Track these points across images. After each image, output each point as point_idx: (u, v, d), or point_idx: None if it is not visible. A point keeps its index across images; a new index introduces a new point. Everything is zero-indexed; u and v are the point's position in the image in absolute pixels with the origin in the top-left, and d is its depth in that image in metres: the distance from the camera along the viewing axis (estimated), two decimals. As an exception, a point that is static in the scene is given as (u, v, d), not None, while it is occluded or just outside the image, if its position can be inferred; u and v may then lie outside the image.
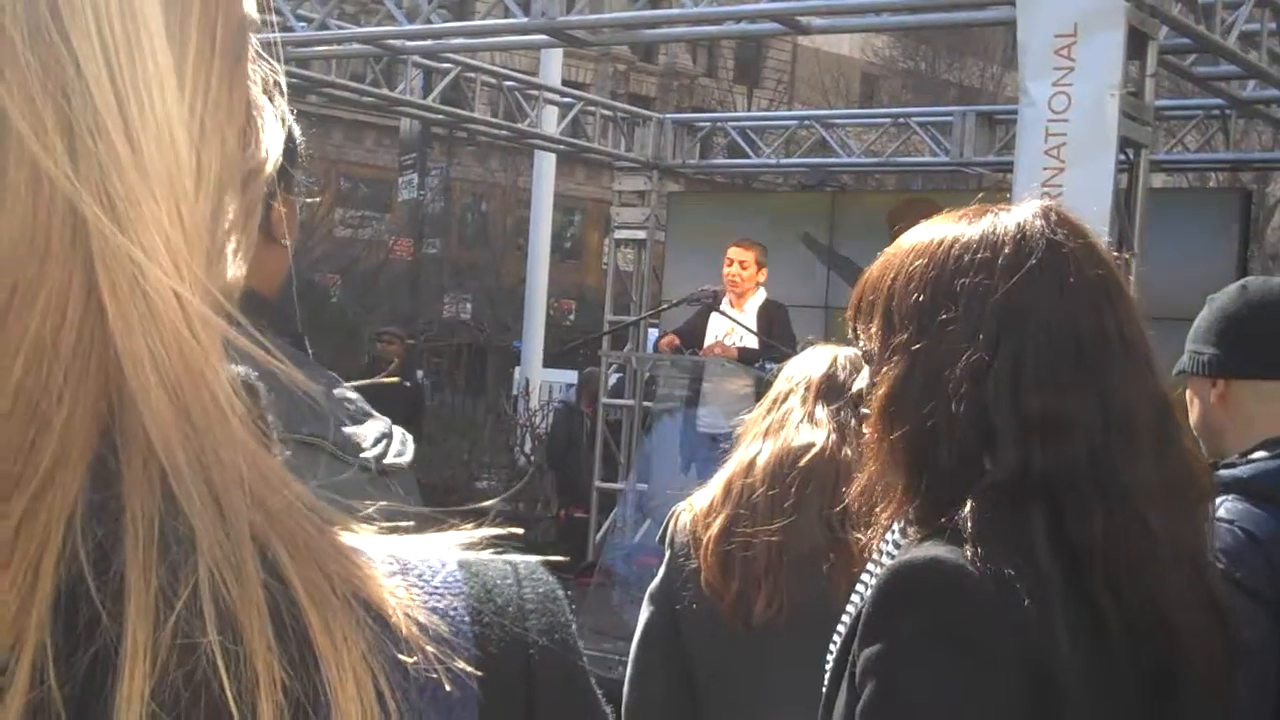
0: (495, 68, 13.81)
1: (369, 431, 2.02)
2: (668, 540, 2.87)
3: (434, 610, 0.78)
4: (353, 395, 2.11)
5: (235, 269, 0.79)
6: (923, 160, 14.36)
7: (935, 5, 9.75)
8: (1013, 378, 1.78)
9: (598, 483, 13.89)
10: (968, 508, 1.73)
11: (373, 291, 28.76)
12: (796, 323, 10.31)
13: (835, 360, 2.93)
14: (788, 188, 19.43)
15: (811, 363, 2.96)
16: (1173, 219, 11.10)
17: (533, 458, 19.94)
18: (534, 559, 0.86)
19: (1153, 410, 1.82)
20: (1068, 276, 1.82)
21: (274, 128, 0.84)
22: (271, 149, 0.83)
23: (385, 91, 12.63)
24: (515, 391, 21.91)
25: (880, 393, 1.87)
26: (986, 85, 35.28)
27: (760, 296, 10.34)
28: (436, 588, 0.80)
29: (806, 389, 2.88)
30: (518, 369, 23.15)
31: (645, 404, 12.99)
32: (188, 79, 0.75)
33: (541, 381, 21.19)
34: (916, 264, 1.88)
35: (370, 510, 0.82)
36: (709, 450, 8.86)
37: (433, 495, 16.61)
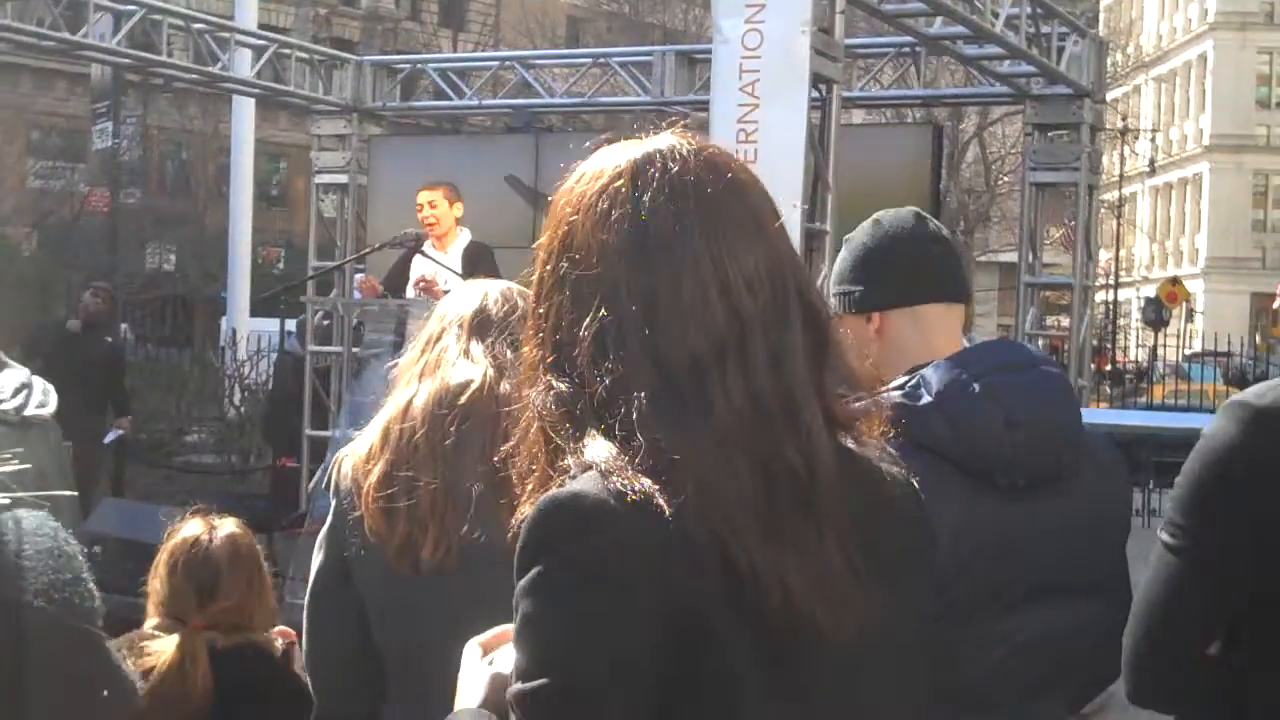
0: (185, 10, 13.37)
1: (6, 381, 1.90)
2: (333, 488, 2.80)
3: None
4: None
5: None
6: (626, 100, 14.40)
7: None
8: (644, 316, 1.77)
9: (308, 430, 13.67)
10: (613, 437, 1.73)
11: (69, 244, 27.71)
12: (504, 263, 10.22)
13: (486, 295, 2.89)
14: (494, 131, 19.33)
15: (462, 300, 2.91)
16: (869, 153, 11.36)
17: (242, 409, 19.55)
18: (42, 513, 0.78)
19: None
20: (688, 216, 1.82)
21: None
22: None
23: (68, 35, 12.07)
24: (222, 343, 21.45)
25: (530, 326, 1.89)
26: (690, 27, 35.55)
27: (464, 238, 10.23)
28: None
29: (460, 326, 2.83)
30: (224, 319, 22.66)
31: (354, 350, 12.81)
32: None
33: (249, 331, 20.79)
34: (567, 199, 1.89)
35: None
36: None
37: (141, 452, 16.23)
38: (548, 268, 1.87)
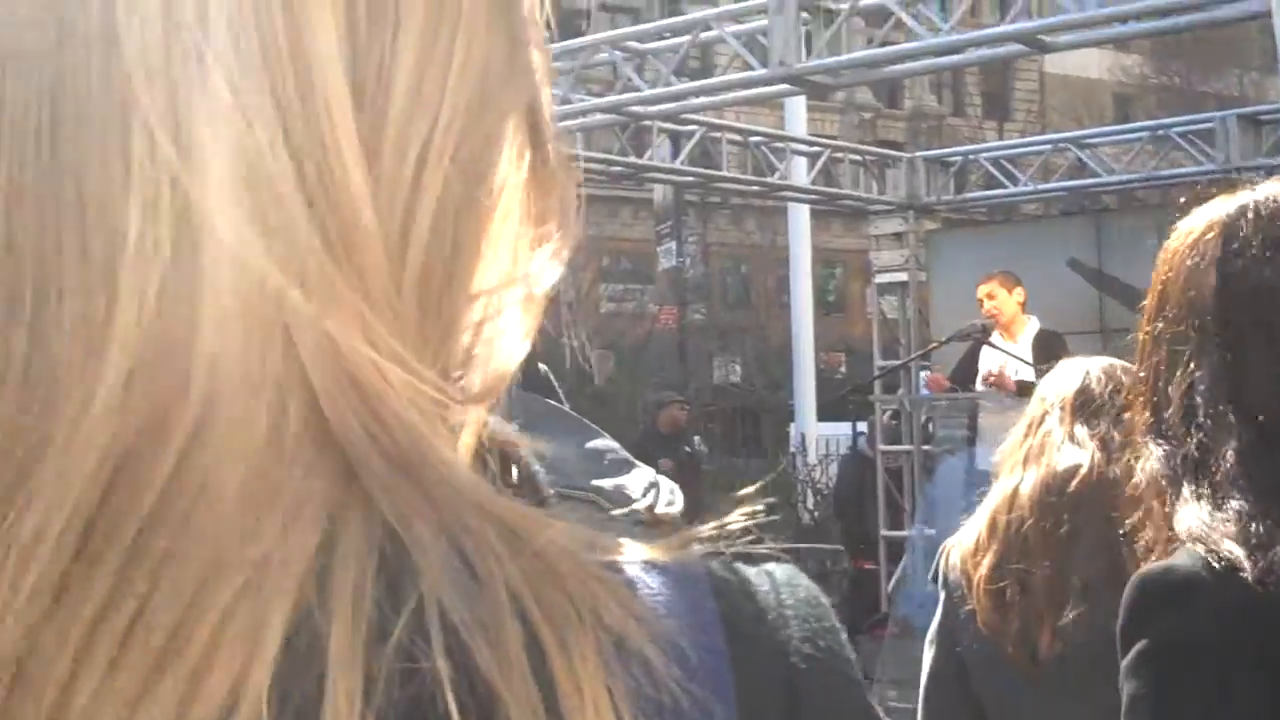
0: (741, 124, 13.85)
1: (635, 482, 1.98)
2: (940, 579, 2.75)
3: (684, 625, 0.72)
4: (611, 445, 2.06)
5: (482, 361, 0.77)
6: (1186, 171, 13.84)
7: (1181, 6, 9.25)
8: (1233, 371, 1.72)
9: (884, 531, 13.66)
10: (1205, 499, 1.68)
11: (642, 362, 29.01)
12: (1075, 349, 9.98)
13: (1088, 374, 2.78)
14: (1050, 215, 19.02)
15: (1063, 380, 2.81)
16: None
17: (816, 513, 19.81)
18: (791, 566, 0.79)
19: None
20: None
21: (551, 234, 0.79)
22: (537, 262, 0.78)
23: (634, 159, 12.71)
24: (792, 449, 21.84)
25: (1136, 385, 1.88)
26: (1247, 92, 34.11)
27: (1033, 326, 10.09)
28: (687, 598, 0.74)
29: (1062, 408, 2.73)
30: (793, 425, 23.09)
31: (924, 447, 12.77)
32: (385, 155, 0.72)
33: (817, 435, 21.08)
34: (1163, 259, 1.87)
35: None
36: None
37: (723, 560, 16.59)
38: (1146, 330, 1.86)
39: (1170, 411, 1.75)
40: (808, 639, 0.75)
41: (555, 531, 0.71)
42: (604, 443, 2.03)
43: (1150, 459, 1.78)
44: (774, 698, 0.73)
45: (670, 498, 1.98)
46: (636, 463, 2.03)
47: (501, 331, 0.77)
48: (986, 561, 2.61)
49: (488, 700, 0.66)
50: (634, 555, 0.75)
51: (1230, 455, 1.67)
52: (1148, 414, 1.81)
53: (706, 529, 0.78)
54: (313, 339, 0.68)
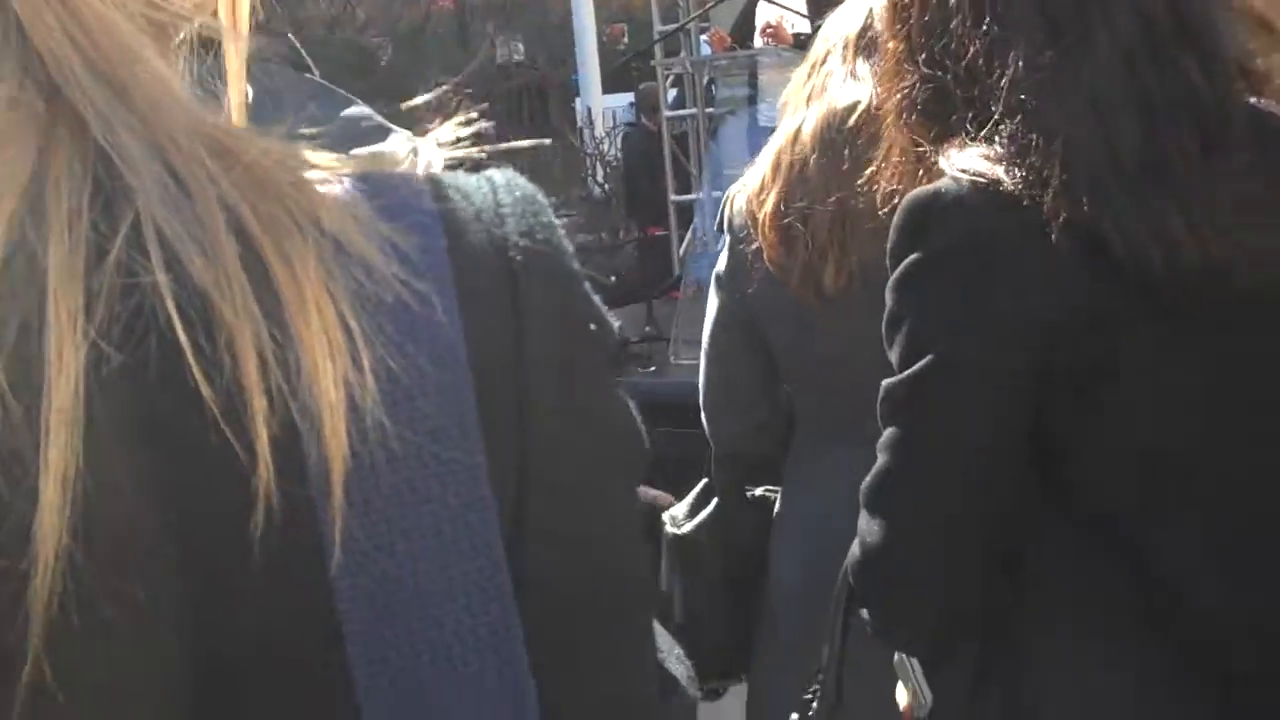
0: None
1: (394, 147, 1.93)
2: (726, 224, 2.75)
3: (400, 226, 0.73)
4: (365, 111, 2.00)
5: None
6: None
7: None
8: None
9: (672, 197, 13.71)
10: (978, 120, 1.69)
11: (421, 48, 28.36)
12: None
13: (870, 12, 2.75)
14: None
15: (846, 18, 2.77)
16: None
17: (606, 186, 19.81)
18: (511, 170, 0.81)
19: None
20: None
21: None
22: None
23: None
24: (579, 123, 21.72)
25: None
26: None
27: (806, -24, 10.05)
28: (404, 201, 0.76)
29: (845, 47, 2.70)
30: (578, 100, 22.95)
31: (708, 110, 12.77)
32: None
33: (604, 108, 20.95)
34: None
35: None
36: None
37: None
38: None
39: (955, 23, 1.71)
40: (525, 234, 0.77)
41: (267, 145, 0.72)
42: (358, 110, 1.98)
43: (911, 89, 1.78)
44: (494, 288, 0.75)
45: (430, 160, 1.94)
46: (394, 128, 1.97)
47: None
48: (771, 200, 2.59)
49: (205, 309, 0.67)
50: (350, 167, 0.76)
51: (1021, 52, 1.65)
52: (915, 41, 1.77)
53: (424, 140, 0.82)
54: None
